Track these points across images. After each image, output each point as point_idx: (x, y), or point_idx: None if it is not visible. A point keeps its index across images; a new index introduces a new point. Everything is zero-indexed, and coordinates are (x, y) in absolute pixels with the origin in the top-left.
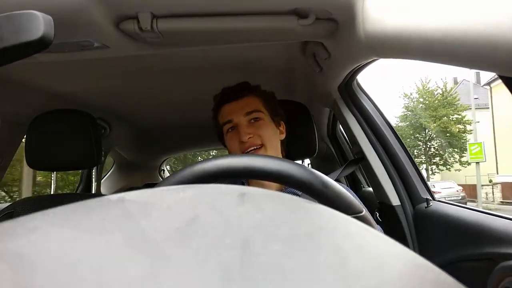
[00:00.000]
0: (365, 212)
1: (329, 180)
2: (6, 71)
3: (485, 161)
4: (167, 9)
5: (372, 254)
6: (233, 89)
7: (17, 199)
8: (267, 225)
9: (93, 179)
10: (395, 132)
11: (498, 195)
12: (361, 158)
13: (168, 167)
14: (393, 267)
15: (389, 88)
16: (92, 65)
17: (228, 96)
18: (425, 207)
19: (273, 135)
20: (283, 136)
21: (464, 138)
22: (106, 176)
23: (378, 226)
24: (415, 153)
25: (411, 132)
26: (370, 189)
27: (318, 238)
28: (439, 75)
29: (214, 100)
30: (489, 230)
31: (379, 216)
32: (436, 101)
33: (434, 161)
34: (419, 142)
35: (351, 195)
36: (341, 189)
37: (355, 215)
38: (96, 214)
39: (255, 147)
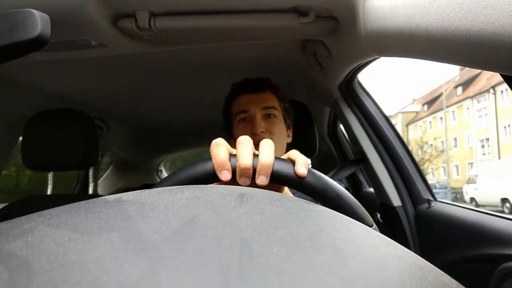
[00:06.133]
0: (374, 226)
1: (343, 190)
2: (2, 70)
3: None
4: (164, 7)
5: (373, 255)
6: (255, 81)
7: None
8: (267, 226)
9: (90, 180)
10: (397, 132)
11: None
12: (362, 158)
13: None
14: (393, 268)
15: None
16: (89, 64)
17: (249, 87)
18: (427, 208)
19: (283, 136)
20: (289, 140)
21: None
22: (103, 177)
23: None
24: None
25: None
26: (371, 189)
27: (317, 239)
28: None
29: (231, 88)
30: (490, 231)
31: (380, 217)
32: None
33: None
34: None
35: (362, 207)
36: (355, 201)
37: None
38: (93, 215)
39: None
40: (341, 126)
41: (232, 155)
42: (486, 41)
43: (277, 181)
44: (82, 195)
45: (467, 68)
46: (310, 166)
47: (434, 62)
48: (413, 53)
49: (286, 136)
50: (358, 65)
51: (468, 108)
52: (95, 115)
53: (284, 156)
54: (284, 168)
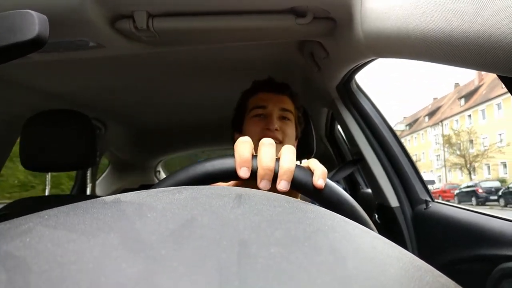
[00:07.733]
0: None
1: (357, 205)
2: (0, 70)
3: None
4: (163, 8)
5: (370, 256)
6: (277, 83)
7: None
8: (264, 227)
9: (88, 180)
10: (394, 133)
11: None
12: (360, 159)
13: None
14: (391, 269)
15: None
16: (87, 64)
17: (270, 86)
18: (424, 209)
19: (292, 139)
20: (294, 145)
21: None
22: (101, 177)
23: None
24: None
25: None
26: (369, 190)
27: (315, 240)
28: None
29: (252, 83)
30: (488, 231)
31: (378, 217)
32: None
33: None
34: None
35: (368, 217)
36: (362, 211)
37: None
38: (91, 216)
39: (276, 141)
40: (339, 127)
41: (254, 156)
42: (483, 42)
43: (295, 187)
44: (80, 196)
45: (439, 98)
46: None
47: (432, 65)
48: (410, 54)
49: (294, 141)
50: (355, 66)
51: (429, 133)
52: (93, 116)
53: (304, 164)
54: (303, 176)
